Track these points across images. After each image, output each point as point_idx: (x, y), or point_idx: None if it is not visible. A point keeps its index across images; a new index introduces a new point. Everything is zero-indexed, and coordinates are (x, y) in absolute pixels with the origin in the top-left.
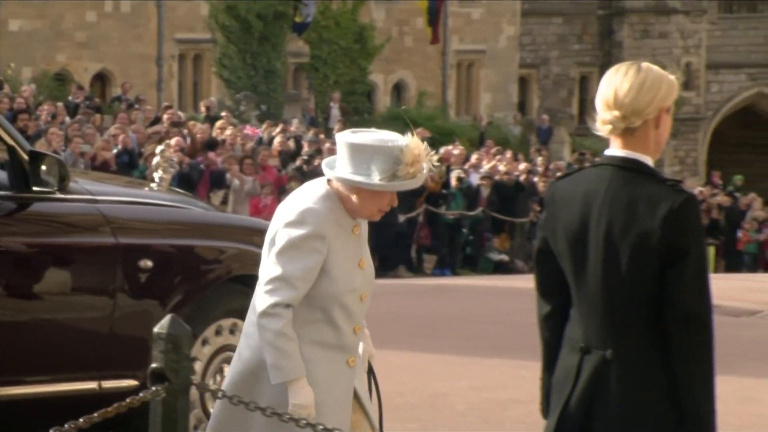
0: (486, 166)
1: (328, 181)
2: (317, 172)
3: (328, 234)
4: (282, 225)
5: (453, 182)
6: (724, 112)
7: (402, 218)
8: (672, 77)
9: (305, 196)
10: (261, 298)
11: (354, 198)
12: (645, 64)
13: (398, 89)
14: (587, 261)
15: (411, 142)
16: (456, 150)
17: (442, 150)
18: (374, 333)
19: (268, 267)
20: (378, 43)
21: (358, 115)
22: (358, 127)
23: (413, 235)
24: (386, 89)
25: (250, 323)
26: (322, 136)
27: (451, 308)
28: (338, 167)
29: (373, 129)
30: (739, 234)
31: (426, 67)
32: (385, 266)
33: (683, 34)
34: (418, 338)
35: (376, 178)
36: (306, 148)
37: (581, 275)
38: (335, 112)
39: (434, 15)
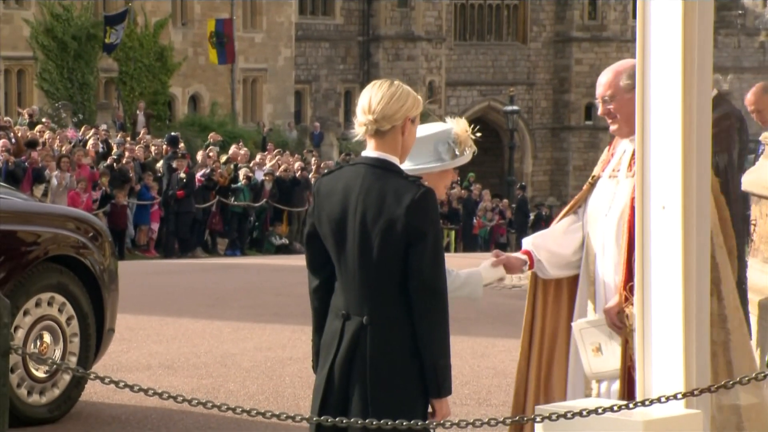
0: (268, 165)
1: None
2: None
3: None
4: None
5: (241, 178)
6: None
7: (198, 208)
8: (417, 95)
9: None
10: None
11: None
12: (397, 82)
13: (194, 100)
14: (347, 242)
15: (456, 125)
16: (242, 150)
17: (230, 151)
18: (174, 305)
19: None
20: (176, 61)
21: (161, 121)
22: (160, 130)
23: (208, 221)
24: (184, 100)
25: None
26: (127, 138)
27: (240, 282)
28: (408, 162)
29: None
30: (474, 221)
31: (217, 82)
32: (184, 248)
33: (427, 58)
34: (211, 308)
35: (447, 159)
36: (115, 149)
37: (342, 254)
38: (141, 118)
39: (220, 38)
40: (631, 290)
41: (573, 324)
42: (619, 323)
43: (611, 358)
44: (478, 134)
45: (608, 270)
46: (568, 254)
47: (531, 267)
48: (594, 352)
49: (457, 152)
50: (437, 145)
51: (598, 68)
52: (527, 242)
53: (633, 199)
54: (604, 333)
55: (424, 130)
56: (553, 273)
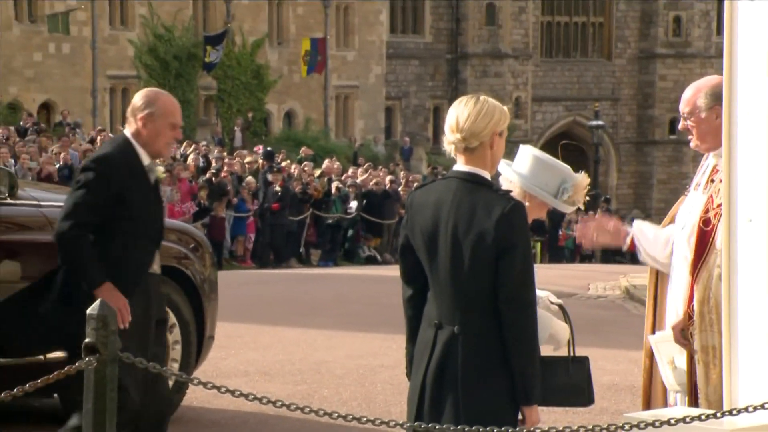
0: (360, 179)
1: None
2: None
3: None
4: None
5: (333, 191)
6: (547, 137)
7: (292, 220)
8: (504, 108)
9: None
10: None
11: (527, 203)
12: (482, 97)
13: (289, 116)
14: (439, 254)
15: (582, 177)
16: (335, 165)
17: (324, 165)
18: (270, 314)
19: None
20: (272, 79)
21: (257, 136)
22: (256, 145)
23: (302, 233)
24: (279, 116)
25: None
26: (225, 153)
27: (332, 292)
28: (532, 179)
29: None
30: (560, 233)
31: (311, 99)
32: (279, 259)
33: (514, 74)
34: (305, 317)
35: (561, 198)
36: (214, 164)
37: (434, 265)
38: (238, 134)
39: (314, 56)
40: (693, 309)
41: (650, 337)
42: (684, 341)
43: (684, 373)
44: (589, 188)
45: (680, 284)
46: (660, 257)
47: (632, 247)
48: (670, 365)
49: (567, 197)
50: (564, 182)
51: (682, 84)
52: (639, 225)
53: (705, 213)
54: (676, 347)
55: (558, 163)
56: (646, 260)
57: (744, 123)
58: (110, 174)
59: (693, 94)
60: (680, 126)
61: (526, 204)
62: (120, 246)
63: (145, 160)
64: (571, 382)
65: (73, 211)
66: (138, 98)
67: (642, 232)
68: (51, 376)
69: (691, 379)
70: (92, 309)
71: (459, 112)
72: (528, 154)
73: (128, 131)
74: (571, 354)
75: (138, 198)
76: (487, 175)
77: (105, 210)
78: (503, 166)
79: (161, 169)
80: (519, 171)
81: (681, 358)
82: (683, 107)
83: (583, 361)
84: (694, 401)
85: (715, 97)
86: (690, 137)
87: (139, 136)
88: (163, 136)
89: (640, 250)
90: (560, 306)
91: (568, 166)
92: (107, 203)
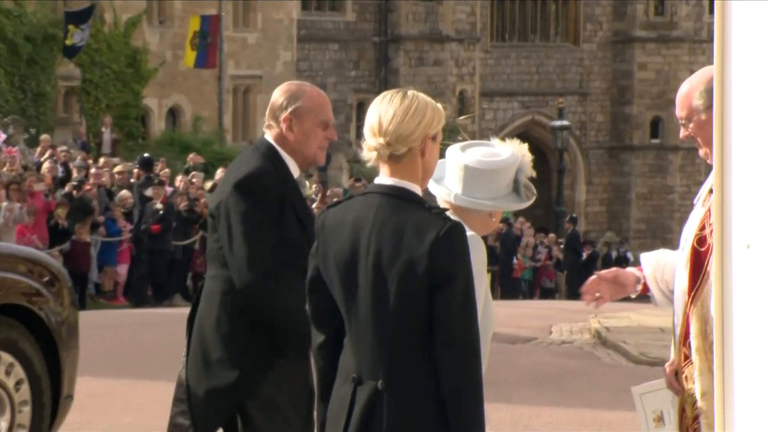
0: None
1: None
2: (87, 200)
3: None
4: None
5: None
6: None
7: (177, 246)
8: (439, 105)
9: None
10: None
11: (493, 220)
12: (411, 92)
13: (173, 114)
14: (358, 289)
15: (519, 148)
16: None
17: (217, 176)
18: (146, 365)
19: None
20: (152, 66)
21: (132, 139)
22: (132, 151)
23: (189, 262)
24: (161, 113)
25: None
26: (90, 161)
27: None
28: (467, 191)
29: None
30: (515, 261)
31: (202, 92)
32: (159, 295)
33: (457, 62)
34: None
35: (525, 199)
36: (76, 174)
37: (352, 304)
38: (107, 136)
39: (205, 39)
40: (690, 347)
41: (633, 388)
42: (677, 386)
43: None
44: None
45: (677, 318)
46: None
47: (645, 290)
48: (655, 421)
49: (525, 187)
50: (520, 176)
51: (667, 75)
52: (647, 259)
53: (700, 230)
54: (668, 399)
55: (498, 152)
56: (663, 302)
57: (739, 129)
58: (268, 195)
59: (687, 95)
60: (681, 135)
61: (493, 219)
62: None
63: (295, 172)
64: None
65: (253, 255)
66: (278, 94)
67: (657, 263)
68: None
69: None
70: None
71: (382, 111)
72: (455, 162)
73: (270, 137)
74: None
75: (293, 222)
76: (417, 189)
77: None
78: (432, 185)
79: (309, 185)
80: (452, 188)
81: (673, 411)
82: (679, 112)
83: None
84: None
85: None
86: (698, 146)
87: (285, 142)
88: (315, 138)
89: (653, 291)
90: None
91: (504, 145)
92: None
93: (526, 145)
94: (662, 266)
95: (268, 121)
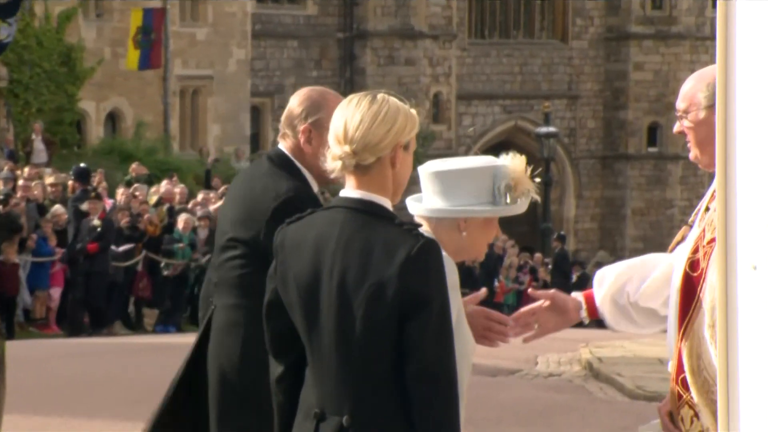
0: (213, 207)
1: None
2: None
3: None
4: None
5: (180, 225)
6: (478, 148)
7: (117, 267)
8: (413, 110)
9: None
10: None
11: (464, 234)
12: (381, 95)
13: (113, 118)
14: (320, 315)
15: (513, 159)
16: (177, 188)
17: (162, 188)
18: (83, 401)
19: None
20: (88, 66)
21: (66, 147)
22: (66, 161)
23: (131, 286)
24: (98, 118)
25: None
26: (19, 172)
27: (173, 370)
28: (444, 202)
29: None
30: (497, 283)
31: (144, 94)
32: (97, 323)
33: (432, 61)
34: (135, 405)
35: (502, 203)
36: (2, 187)
37: (314, 331)
38: (38, 144)
39: (149, 35)
40: (684, 384)
41: (641, 428)
42: (672, 428)
43: None
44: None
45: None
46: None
47: (593, 314)
48: None
49: (510, 195)
50: (496, 181)
51: (666, 76)
52: (601, 277)
53: (693, 252)
54: None
55: (471, 161)
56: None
57: (744, 138)
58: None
59: (693, 86)
60: (675, 128)
61: (464, 234)
62: None
63: (314, 187)
64: None
65: None
66: (296, 102)
67: (616, 279)
68: None
69: None
70: None
71: (348, 116)
72: (428, 173)
73: (284, 147)
74: None
75: None
76: (386, 203)
77: None
78: (411, 203)
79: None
80: (433, 205)
81: None
82: (679, 102)
83: None
84: None
85: None
86: (688, 144)
87: (302, 155)
88: None
89: (604, 315)
90: None
91: (487, 157)
92: None
93: (523, 157)
94: (623, 282)
95: (283, 130)
